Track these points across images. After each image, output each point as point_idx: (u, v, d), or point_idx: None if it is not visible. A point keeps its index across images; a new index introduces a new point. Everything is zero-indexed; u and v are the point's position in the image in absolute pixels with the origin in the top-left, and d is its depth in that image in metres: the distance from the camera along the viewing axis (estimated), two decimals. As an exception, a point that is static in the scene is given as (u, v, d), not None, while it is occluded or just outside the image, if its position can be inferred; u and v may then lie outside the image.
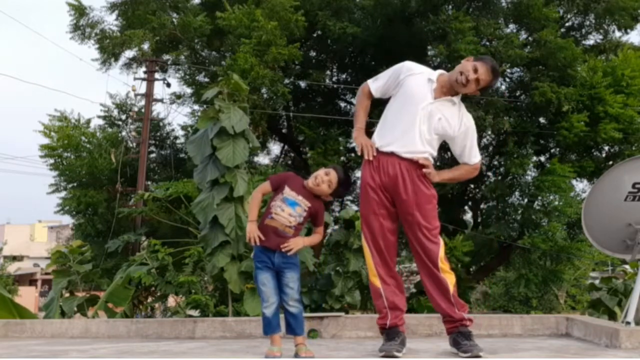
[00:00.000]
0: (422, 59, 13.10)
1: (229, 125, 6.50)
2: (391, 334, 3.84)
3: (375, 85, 4.09)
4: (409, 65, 4.03)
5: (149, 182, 16.24)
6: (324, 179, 3.74)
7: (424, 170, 3.84)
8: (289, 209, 3.68)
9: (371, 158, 3.88)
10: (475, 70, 3.83)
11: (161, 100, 16.88)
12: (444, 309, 3.85)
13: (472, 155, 4.03)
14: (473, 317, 4.00)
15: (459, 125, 3.93)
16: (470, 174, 4.16)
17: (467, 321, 3.84)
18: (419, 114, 3.84)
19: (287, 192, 3.70)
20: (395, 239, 3.98)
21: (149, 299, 11.55)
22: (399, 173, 3.83)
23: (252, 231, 3.66)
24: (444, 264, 3.85)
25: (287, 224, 3.67)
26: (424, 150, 3.86)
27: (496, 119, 13.33)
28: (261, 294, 3.68)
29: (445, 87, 3.90)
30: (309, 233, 4.01)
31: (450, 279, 3.84)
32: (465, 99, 4.16)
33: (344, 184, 3.82)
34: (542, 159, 15.38)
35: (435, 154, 3.97)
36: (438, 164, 12.24)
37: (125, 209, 14.04)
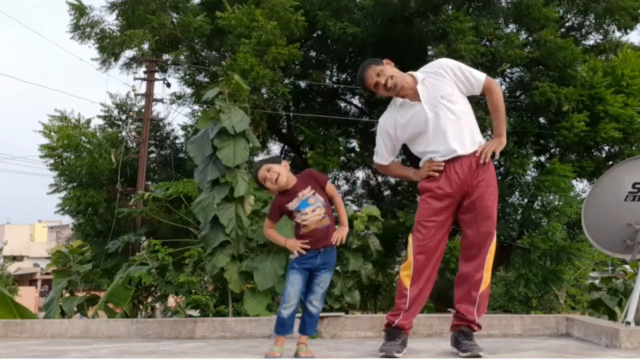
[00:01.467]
0: (422, 59, 13.09)
1: (230, 126, 6.51)
2: (393, 333, 3.83)
3: (380, 157, 4.10)
4: (384, 120, 4.01)
5: (149, 182, 16.24)
6: (270, 179, 3.68)
7: (491, 152, 3.80)
8: (307, 209, 3.68)
9: (441, 167, 3.81)
10: (376, 85, 3.88)
11: (161, 100, 16.89)
12: (463, 305, 3.83)
13: (476, 79, 3.91)
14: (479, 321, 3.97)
15: (445, 77, 3.87)
16: (498, 95, 3.95)
17: (475, 326, 3.83)
18: (432, 119, 3.81)
19: (292, 205, 3.70)
20: (443, 249, 3.91)
21: (149, 299, 11.56)
22: (467, 170, 3.79)
23: (294, 244, 3.66)
24: (490, 262, 3.83)
25: (318, 218, 3.67)
26: (468, 136, 3.82)
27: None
28: (284, 292, 3.66)
29: (406, 92, 3.88)
30: None
31: (486, 278, 3.82)
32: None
33: (262, 161, 3.83)
34: (542, 159, 15.37)
35: (470, 112, 3.92)
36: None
37: (125, 209, 14.04)
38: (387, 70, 3.88)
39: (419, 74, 3.94)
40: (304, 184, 3.73)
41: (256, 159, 15.81)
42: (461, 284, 3.87)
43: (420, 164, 3.97)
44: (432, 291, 3.98)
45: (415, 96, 3.87)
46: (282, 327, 3.65)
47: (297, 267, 3.67)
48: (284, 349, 3.66)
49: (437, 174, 3.82)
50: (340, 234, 3.71)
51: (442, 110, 3.81)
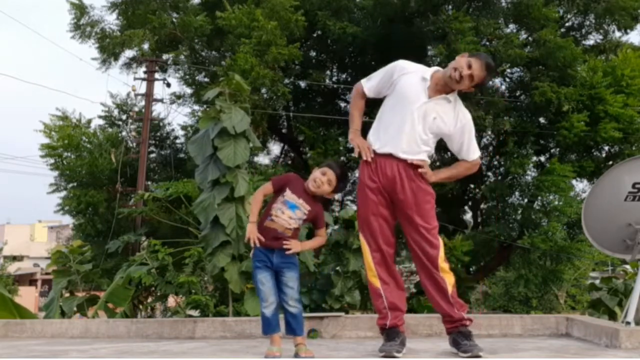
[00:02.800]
0: (422, 59, 13.10)
1: (230, 126, 6.50)
2: (391, 334, 3.83)
3: (369, 84, 4.08)
4: (402, 64, 4.00)
5: (149, 182, 16.24)
6: (322, 179, 3.74)
7: (420, 170, 3.83)
8: (289, 212, 3.69)
9: (369, 159, 3.87)
10: (469, 66, 3.80)
11: (161, 100, 16.89)
12: (444, 309, 3.85)
13: (470, 152, 4.00)
14: (473, 317, 4.00)
15: (455, 123, 3.90)
16: (470, 170, 4.12)
17: (466, 321, 3.84)
18: (414, 114, 3.82)
19: (289, 194, 3.71)
20: (395, 239, 3.98)
21: (149, 299, 11.56)
22: (397, 174, 3.83)
23: (252, 232, 3.67)
24: (443, 264, 3.84)
25: (286, 226, 3.69)
26: (420, 150, 3.85)
27: (496, 119, 13.34)
28: (260, 293, 3.68)
29: (439, 84, 3.87)
30: (309, 234, 4.00)
31: (449, 279, 3.84)
32: (465, 99, 4.16)
33: (342, 178, 3.82)
34: (542, 159, 15.37)
35: (432, 152, 3.97)
36: (437, 163, 12.26)
37: (125, 209, 14.04)
38: (468, 83, 3.87)
39: (456, 96, 3.95)
40: (310, 205, 3.74)
41: (256, 159, 15.85)
42: (429, 292, 3.90)
43: (368, 135, 3.99)
44: (402, 278, 4.04)
45: (435, 92, 3.87)
46: (269, 326, 3.67)
47: (258, 265, 3.69)
48: (284, 349, 3.66)
49: (364, 158, 3.86)
50: (294, 244, 3.70)
51: (425, 123, 3.83)
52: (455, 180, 4.11)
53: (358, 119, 4.10)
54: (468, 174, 4.20)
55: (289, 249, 3.67)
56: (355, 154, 3.97)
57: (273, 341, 3.67)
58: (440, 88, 3.88)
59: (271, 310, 3.65)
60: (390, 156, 3.84)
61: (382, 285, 3.88)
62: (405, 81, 3.92)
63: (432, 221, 3.87)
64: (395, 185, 3.83)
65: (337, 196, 17.35)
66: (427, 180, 3.88)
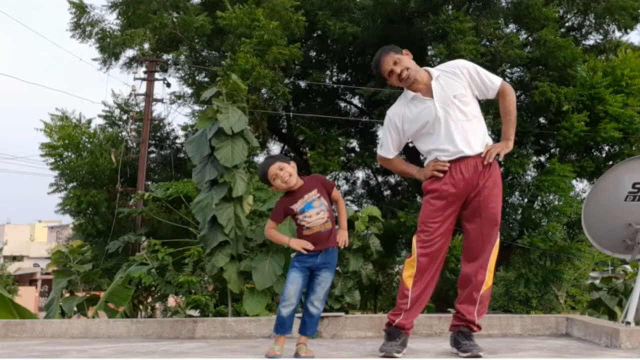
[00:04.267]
0: (422, 59, 13.09)
1: (228, 126, 6.50)
2: (393, 333, 3.83)
3: (385, 149, 4.06)
4: (393, 113, 3.98)
5: (149, 182, 16.24)
6: (281, 177, 3.68)
7: (497, 154, 3.79)
8: (312, 211, 3.68)
9: (446, 167, 3.78)
10: (390, 73, 3.88)
11: (161, 100, 16.90)
12: (463, 305, 3.83)
13: (493, 83, 3.91)
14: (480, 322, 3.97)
15: (462, 79, 3.86)
16: (511, 99, 3.95)
17: (474, 326, 3.83)
18: (442, 116, 3.79)
19: (296, 207, 3.70)
20: (446, 249, 3.90)
21: (149, 299, 11.55)
22: (473, 172, 3.77)
23: (298, 243, 3.65)
24: (493, 262, 3.82)
25: (322, 221, 3.68)
26: (476, 137, 3.81)
27: (496, 119, 13.32)
28: (285, 291, 3.66)
29: (418, 86, 3.86)
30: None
31: (488, 279, 3.82)
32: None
33: (281, 157, 3.85)
34: (542, 159, 15.38)
35: (481, 114, 3.91)
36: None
37: (125, 209, 14.04)
38: (404, 61, 3.88)
39: (434, 70, 3.93)
40: (310, 186, 3.73)
41: (256, 159, 15.84)
42: (463, 284, 3.87)
43: (425, 162, 3.96)
44: (432, 291, 3.98)
45: (427, 92, 3.85)
46: (282, 327, 3.64)
47: (297, 266, 3.67)
48: (285, 349, 3.66)
49: (441, 175, 3.80)
50: (344, 237, 3.74)
51: (452, 109, 3.79)
52: (515, 120, 3.98)
53: (409, 166, 4.13)
54: (514, 102, 4.00)
55: (343, 245, 3.69)
56: (437, 174, 3.81)
57: (278, 341, 3.66)
58: (422, 84, 3.86)
59: (289, 310, 3.62)
60: (461, 159, 3.78)
61: (413, 288, 3.81)
62: (409, 115, 3.90)
63: (498, 218, 3.85)
64: (473, 184, 3.77)
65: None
66: (498, 169, 3.84)
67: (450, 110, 3.79)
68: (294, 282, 3.64)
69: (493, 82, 3.92)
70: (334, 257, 3.74)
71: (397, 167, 4.21)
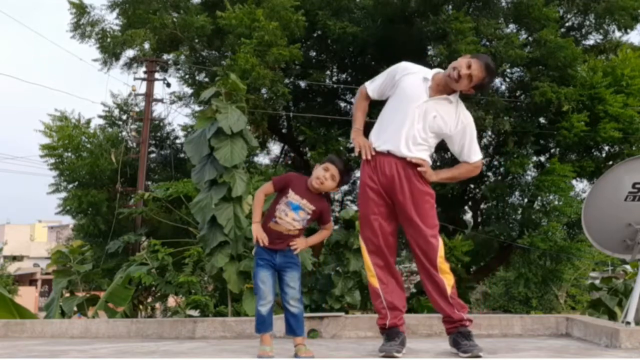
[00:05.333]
0: (422, 59, 13.09)
1: (227, 126, 6.48)
2: (391, 334, 3.83)
3: (372, 86, 4.11)
4: (405, 65, 4.03)
5: (149, 182, 16.25)
6: (325, 175, 3.72)
7: (420, 169, 3.83)
8: (293, 214, 3.68)
9: (369, 157, 3.88)
10: (469, 66, 3.81)
11: (161, 100, 16.90)
12: (443, 310, 3.85)
13: (471, 153, 4.00)
14: (473, 317, 4.00)
15: (456, 124, 3.91)
16: (471, 172, 4.12)
17: (466, 321, 3.84)
18: (414, 112, 3.84)
19: (292, 195, 3.70)
20: (395, 239, 3.98)
21: (149, 299, 11.56)
22: (395, 172, 3.83)
23: (258, 232, 3.67)
24: (443, 265, 3.84)
25: (290, 228, 3.69)
26: (419, 149, 3.85)
27: (496, 119, 13.34)
28: (258, 291, 3.67)
29: (440, 84, 3.89)
30: (310, 232, 4.01)
31: (448, 280, 3.83)
32: (465, 99, 4.16)
33: (346, 172, 3.82)
34: (542, 159, 15.38)
35: (432, 151, 3.97)
36: (438, 163, 12.24)
37: (125, 209, 14.04)
38: (467, 83, 3.86)
39: (458, 99, 3.95)
40: (315, 203, 3.73)
41: (256, 159, 15.84)
42: (428, 292, 3.91)
43: (370, 135, 4.01)
44: (402, 277, 4.04)
45: (436, 92, 3.88)
46: (263, 325, 3.66)
47: (261, 264, 3.69)
48: (285, 349, 3.66)
49: (363, 157, 3.87)
50: (300, 243, 3.72)
51: (423, 122, 3.84)
52: (456, 181, 4.11)
53: (361, 118, 4.12)
54: (469, 177, 4.20)
55: (294, 249, 3.69)
56: (356, 153, 3.98)
57: (264, 340, 3.68)
58: (442, 89, 3.89)
59: (267, 309, 3.64)
60: (389, 154, 3.85)
61: (381, 285, 3.89)
62: (407, 81, 3.94)
63: (431, 221, 3.86)
64: (394, 184, 3.82)
65: (337, 196, 17.36)
66: (426, 180, 3.87)
67: (420, 119, 3.83)
68: (264, 280, 3.66)
69: (473, 156, 3.99)
70: (294, 256, 3.74)
71: (358, 109, 4.17)
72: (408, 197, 3.82)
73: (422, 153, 3.87)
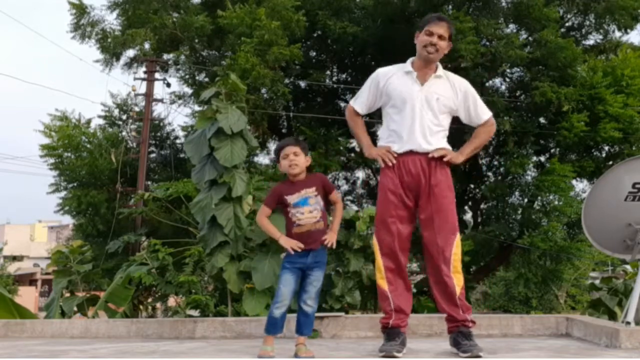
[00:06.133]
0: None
1: (227, 126, 6.48)
2: (392, 334, 3.83)
3: (359, 102, 4.09)
4: (382, 71, 4.04)
5: (149, 182, 16.25)
6: (291, 159, 3.72)
7: (446, 159, 3.82)
8: (305, 208, 3.69)
9: (393, 162, 3.84)
10: (431, 34, 3.87)
11: (161, 100, 16.90)
12: (447, 310, 3.84)
13: (480, 114, 4.01)
14: (473, 317, 3.99)
15: (456, 94, 3.94)
16: (489, 133, 4.11)
17: (469, 322, 3.84)
18: (417, 105, 3.84)
19: (291, 199, 3.71)
20: (409, 243, 3.95)
21: (149, 299, 11.55)
22: (420, 170, 3.82)
23: (288, 242, 3.67)
24: (457, 263, 3.83)
25: (313, 220, 3.69)
26: (438, 138, 3.86)
27: (496, 119, 13.29)
28: (278, 292, 3.67)
29: (422, 67, 3.91)
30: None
31: (458, 280, 3.83)
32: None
33: (298, 141, 3.85)
34: (542, 159, 15.38)
35: (447, 132, 3.95)
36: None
37: (125, 209, 14.03)
38: (445, 39, 3.88)
39: (442, 70, 3.97)
40: (311, 184, 3.75)
41: (256, 159, 15.84)
42: (436, 291, 3.89)
43: (378, 143, 3.99)
44: (410, 282, 4.03)
45: (423, 77, 3.90)
46: (273, 327, 3.66)
47: (289, 267, 3.69)
48: (285, 349, 3.66)
49: (389, 163, 3.84)
50: (332, 238, 3.73)
51: (429, 106, 3.85)
52: (479, 150, 4.10)
53: (365, 135, 4.11)
54: (489, 138, 4.13)
55: (329, 244, 3.69)
56: (380, 164, 3.92)
57: (267, 341, 3.68)
58: (426, 70, 3.91)
59: (281, 311, 3.64)
60: (411, 153, 3.83)
61: (390, 288, 3.86)
62: (394, 83, 3.94)
63: (453, 218, 3.86)
64: (420, 181, 3.81)
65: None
66: (449, 172, 3.87)
67: (427, 108, 3.84)
68: (287, 284, 3.66)
69: (481, 115, 4.01)
70: (324, 256, 3.76)
71: (357, 128, 4.16)
72: (434, 193, 3.81)
73: (441, 140, 3.88)
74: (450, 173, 3.91)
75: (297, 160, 3.72)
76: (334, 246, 3.75)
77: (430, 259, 3.90)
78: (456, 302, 3.82)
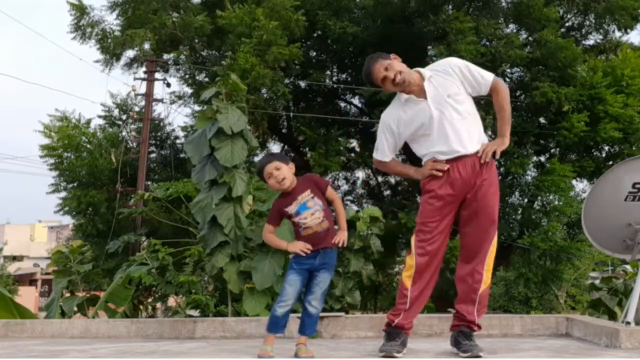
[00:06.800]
0: (422, 59, 13.10)
1: (227, 126, 6.49)
2: (393, 334, 3.83)
3: (381, 153, 4.04)
4: (387, 115, 3.98)
5: (149, 182, 16.25)
6: (276, 176, 3.69)
7: (492, 152, 3.78)
8: (307, 212, 3.69)
9: (445, 168, 3.77)
10: (384, 78, 3.83)
11: (161, 100, 16.90)
12: (462, 306, 3.84)
13: (484, 79, 3.90)
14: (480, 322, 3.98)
15: (453, 77, 3.86)
16: (504, 93, 3.94)
17: (475, 326, 3.84)
18: (437, 117, 3.78)
19: (291, 209, 3.71)
20: (444, 249, 3.90)
21: (149, 299, 11.56)
22: (471, 170, 3.77)
23: (296, 246, 3.66)
24: (490, 260, 3.82)
25: (318, 221, 3.68)
26: (471, 135, 3.81)
27: (496, 120, 13.34)
28: (283, 291, 3.67)
29: (413, 89, 3.85)
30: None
31: (487, 278, 3.82)
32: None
33: (279, 156, 3.86)
34: (542, 159, 15.38)
35: (476, 112, 3.91)
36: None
37: (125, 209, 14.04)
38: (395, 65, 3.85)
39: (426, 71, 3.92)
40: (303, 187, 3.74)
41: (256, 159, 15.84)
42: (461, 284, 3.87)
43: (423, 162, 3.95)
44: (432, 291, 3.97)
45: (421, 93, 3.84)
46: (275, 326, 3.66)
47: (296, 268, 3.68)
48: (285, 349, 3.66)
49: (440, 174, 3.79)
50: (342, 237, 3.72)
51: (447, 109, 3.79)
52: (509, 117, 3.99)
53: (406, 167, 4.18)
54: (509, 98, 3.98)
55: (340, 244, 3.69)
56: (436, 174, 3.80)
57: (267, 340, 3.68)
58: (416, 87, 3.85)
59: (284, 310, 3.64)
60: (458, 159, 3.78)
61: (412, 288, 3.82)
62: (403, 117, 3.89)
63: (495, 216, 3.84)
64: (469, 184, 3.77)
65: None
66: (494, 168, 3.84)
67: (444, 110, 3.79)
68: (293, 284, 3.65)
69: (485, 77, 3.91)
70: (332, 258, 3.74)
71: (394, 168, 4.21)
72: (484, 192, 3.78)
73: (476, 133, 3.82)
74: (495, 167, 3.87)
75: (282, 173, 3.69)
76: (345, 244, 3.73)
77: (468, 251, 3.85)
78: (475, 299, 3.79)
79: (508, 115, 3.96)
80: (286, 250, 3.79)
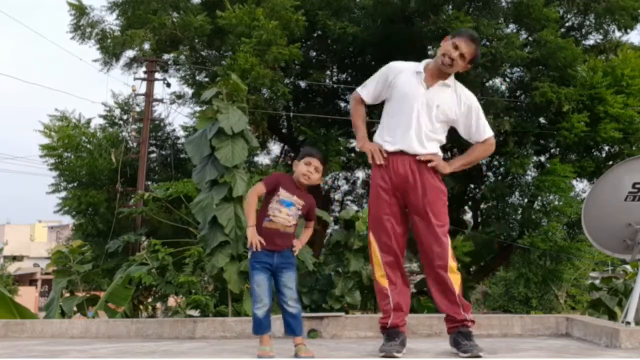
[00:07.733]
0: (422, 59, 13.03)
1: (228, 126, 6.50)
2: (392, 334, 3.83)
3: (366, 91, 4.10)
4: (395, 65, 4.04)
5: (149, 182, 16.25)
6: (310, 170, 3.78)
7: (431, 164, 3.82)
8: (286, 210, 3.72)
9: (382, 162, 3.86)
10: (456, 47, 3.82)
11: (161, 101, 16.89)
12: (447, 309, 3.85)
13: (481, 132, 3.98)
14: (473, 317, 4.00)
15: (459, 106, 3.92)
16: (486, 152, 4.10)
17: (469, 322, 3.84)
18: (417, 107, 3.84)
19: (283, 193, 3.73)
20: (406, 241, 3.96)
21: (149, 299, 11.56)
22: (409, 170, 3.82)
23: (254, 236, 3.67)
24: (452, 263, 3.83)
25: (286, 224, 3.71)
26: (431, 143, 3.86)
27: (496, 119, 13.33)
28: (254, 294, 3.68)
29: (434, 73, 3.90)
30: None
31: (456, 279, 3.84)
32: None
33: (325, 161, 3.92)
34: (542, 159, 15.38)
35: (443, 141, 3.95)
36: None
37: (125, 209, 14.04)
38: (462, 64, 3.86)
39: (452, 79, 3.95)
40: (304, 199, 3.79)
41: (256, 158, 15.84)
42: (435, 291, 3.90)
43: (374, 138, 4.00)
44: (407, 277, 4.04)
45: (431, 81, 3.89)
46: (260, 327, 3.67)
47: (257, 267, 3.69)
48: (285, 349, 3.66)
49: (377, 162, 3.85)
50: (297, 243, 3.78)
51: (428, 114, 3.85)
52: (472, 165, 4.08)
53: (363, 126, 4.12)
54: (485, 156, 4.16)
55: (294, 250, 3.74)
56: (369, 160, 3.95)
57: (263, 341, 3.69)
58: (436, 77, 3.91)
59: (264, 311, 3.66)
60: (401, 153, 3.85)
61: (390, 286, 3.87)
62: (402, 80, 3.94)
63: (444, 218, 3.86)
64: (407, 182, 3.82)
65: (337, 196, 17.35)
66: (439, 176, 3.88)
67: (425, 113, 3.84)
68: (260, 284, 3.66)
69: (485, 131, 4.00)
70: (290, 257, 3.77)
71: (357, 116, 4.16)
72: (421, 194, 3.81)
73: (434, 146, 3.88)
74: (440, 178, 3.90)
75: (314, 175, 3.78)
76: (296, 252, 3.78)
77: (426, 259, 3.90)
78: (456, 300, 3.82)
79: (472, 159, 4.11)
80: (246, 228, 3.83)
